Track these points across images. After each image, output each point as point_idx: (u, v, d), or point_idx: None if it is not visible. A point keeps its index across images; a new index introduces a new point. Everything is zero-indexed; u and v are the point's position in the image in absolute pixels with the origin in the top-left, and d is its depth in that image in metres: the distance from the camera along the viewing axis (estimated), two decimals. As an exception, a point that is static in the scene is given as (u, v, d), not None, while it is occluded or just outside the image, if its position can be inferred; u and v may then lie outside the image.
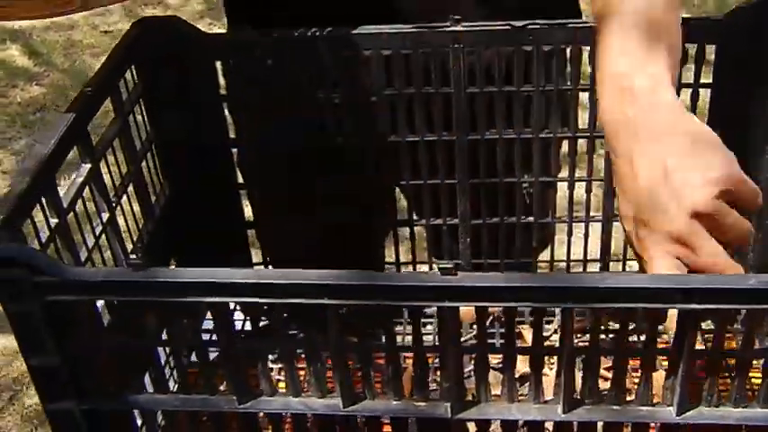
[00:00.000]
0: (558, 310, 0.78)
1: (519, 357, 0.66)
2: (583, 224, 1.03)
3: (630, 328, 0.64)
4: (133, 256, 0.63)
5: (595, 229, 1.03)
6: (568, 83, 0.92)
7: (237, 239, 1.06)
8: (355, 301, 0.62)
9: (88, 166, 0.81)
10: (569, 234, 1.04)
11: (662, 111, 0.71)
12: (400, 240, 1.08)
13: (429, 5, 0.95)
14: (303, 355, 0.68)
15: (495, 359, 0.79)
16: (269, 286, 0.61)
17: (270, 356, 0.89)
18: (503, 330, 0.68)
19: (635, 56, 0.73)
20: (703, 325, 0.63)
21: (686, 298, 0.59)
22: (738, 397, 0.66)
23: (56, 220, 0.75)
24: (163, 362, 0.79)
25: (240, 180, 1.03)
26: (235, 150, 1.01)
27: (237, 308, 0.78)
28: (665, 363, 0.67)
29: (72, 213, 0.77)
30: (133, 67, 0.91)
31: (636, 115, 0.71)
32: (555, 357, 0.66)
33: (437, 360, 0.69)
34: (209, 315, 0.65)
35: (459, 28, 0.90)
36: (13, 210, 0.67)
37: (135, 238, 0.89)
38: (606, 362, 0.78)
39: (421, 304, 0.62)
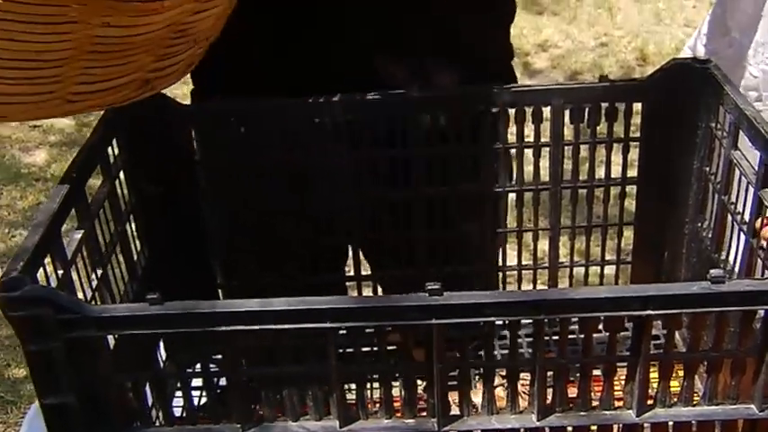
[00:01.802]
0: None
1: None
2: (531, 271, 1.12)
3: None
4: (151, 294, 0.69)
5: (542, 274, 1.13)
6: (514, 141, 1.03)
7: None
8: (353, 324, 0.70)
9: (85, 225, 0.87)
10: (519, 282, 1.13)
11: None
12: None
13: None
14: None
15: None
16: (277, 313, 0.69)
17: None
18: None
19: None
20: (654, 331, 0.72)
21: (642, 305, 0.68)
22: (687, 396, 0.75)
23: (62, 271, 0.81)
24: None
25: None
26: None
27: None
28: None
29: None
30: (117, 137, 0.98)
31: None
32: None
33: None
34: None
35: (416, 94, 1.00)
36: (30, 258, 0.73)
37: (121, 292, 0.95)
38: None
39: (411, 323, 0.70)
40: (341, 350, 0.72)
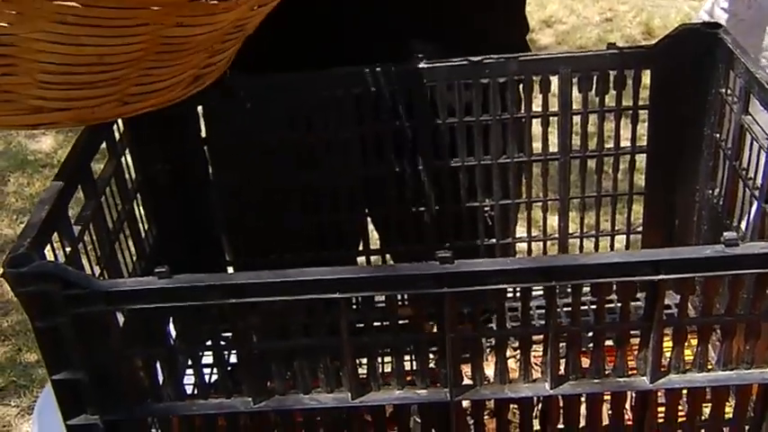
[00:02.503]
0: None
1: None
2: (541, 243, 1.11)
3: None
4: (159, 268, 0.69)
5: (552, 247, 1.12)
6: (522, 111, 1.02)
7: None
8: (363, 293, 0.69)
9: (92, 202, 0.87)
10: (528, 253, 1.13)
11: None
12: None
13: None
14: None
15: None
16: (280, 285, 0.68)
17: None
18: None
19: None
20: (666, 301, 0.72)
21: (654, 270, 0.67)
22: (701, 362, 0.74)
23: (69, 248, 0.80)
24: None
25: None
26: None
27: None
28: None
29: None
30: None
31: None
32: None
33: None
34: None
35: (422, 65, 0.99)
36: (37, 235, 0.73)
37: (129, 271, 0.95)
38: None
39: (422, 292, 0.69)
40: (352, 323, 0.72)
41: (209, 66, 0.81)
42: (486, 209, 1.08)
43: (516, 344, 0.80)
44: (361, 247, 1.14)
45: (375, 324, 0.73)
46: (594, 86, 1.00)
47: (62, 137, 3.14)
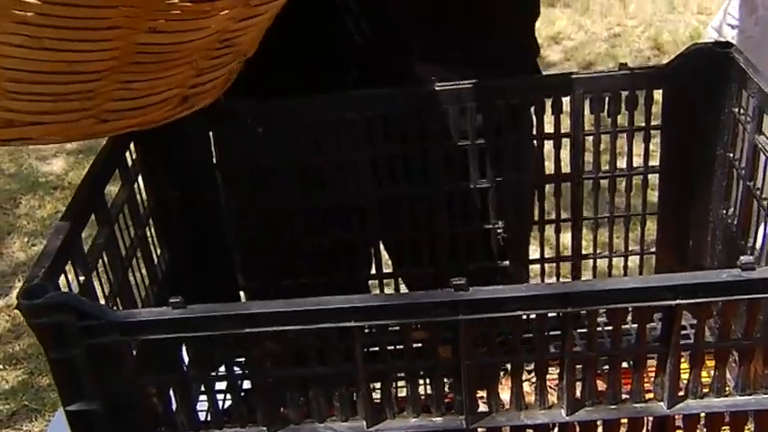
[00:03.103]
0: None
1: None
2: (554, 264, 1.11)
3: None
4: (173, 298, 0.69)
5: (565, 267, 1.11)
6: (534, 132, 1.02)
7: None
8: (378, 322, 0.69)
9: (105, 230, 0.87)
10: (541, 275, 1.12)
11: None
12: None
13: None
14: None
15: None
16: (294, 314, 0.68)
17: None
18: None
19: None
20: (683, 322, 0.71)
21: (671, 295, 0.67)
22: (719, 387, 0.74)
23: (83, 277, 0.80)
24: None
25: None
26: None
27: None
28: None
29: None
30: (133, 141, 0.98)
31: None
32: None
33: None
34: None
35: (434, 87, 0.99)
36: (51, 265, 0.73)
37: (143, 297, 0.95)
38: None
39: (437, 320, 0.69)
40: (366, 349, 0.71)
41: (198, 85, 0.78)
42: (498, 230, 1.08)
43: (531, 366, 0.79)
44: (373, 270, 1.14)
45: (389, 348, 0.73)
46: (606, 107, 1.00)
47: (73, 159, 3.15)
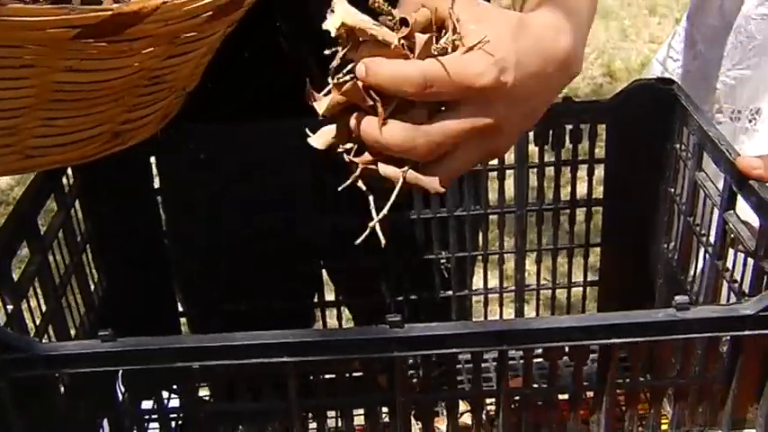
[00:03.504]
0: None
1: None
2: (497, 294, 1.11)
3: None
4: (102, 331, 0.67)
5: (509, 297, 1.11)
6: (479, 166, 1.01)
7: (172, 330, 1.10)
8: (312, 357, 0.68)
9: (37, 257, 0.85)
10: (485, 305, 1.12)
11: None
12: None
13: None
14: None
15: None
16: (232, 348, 0.67)
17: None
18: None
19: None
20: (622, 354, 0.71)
21: (607, 334, 0.67)
22: (654, 424, 0.74)
23: (11, 306, 0.78)
24: None
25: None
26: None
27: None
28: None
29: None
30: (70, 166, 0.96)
31: None
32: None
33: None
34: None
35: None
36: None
37: (77, 325, 0.93)
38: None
39: (371, 356, 0.68)
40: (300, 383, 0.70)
41: (129, 122, 0.77)
42: (442, 261, 1.08)
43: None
44: (316, 299, 1.13)
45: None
46: (551, 140, 1.00)
47: (18, 175, 3.09)
